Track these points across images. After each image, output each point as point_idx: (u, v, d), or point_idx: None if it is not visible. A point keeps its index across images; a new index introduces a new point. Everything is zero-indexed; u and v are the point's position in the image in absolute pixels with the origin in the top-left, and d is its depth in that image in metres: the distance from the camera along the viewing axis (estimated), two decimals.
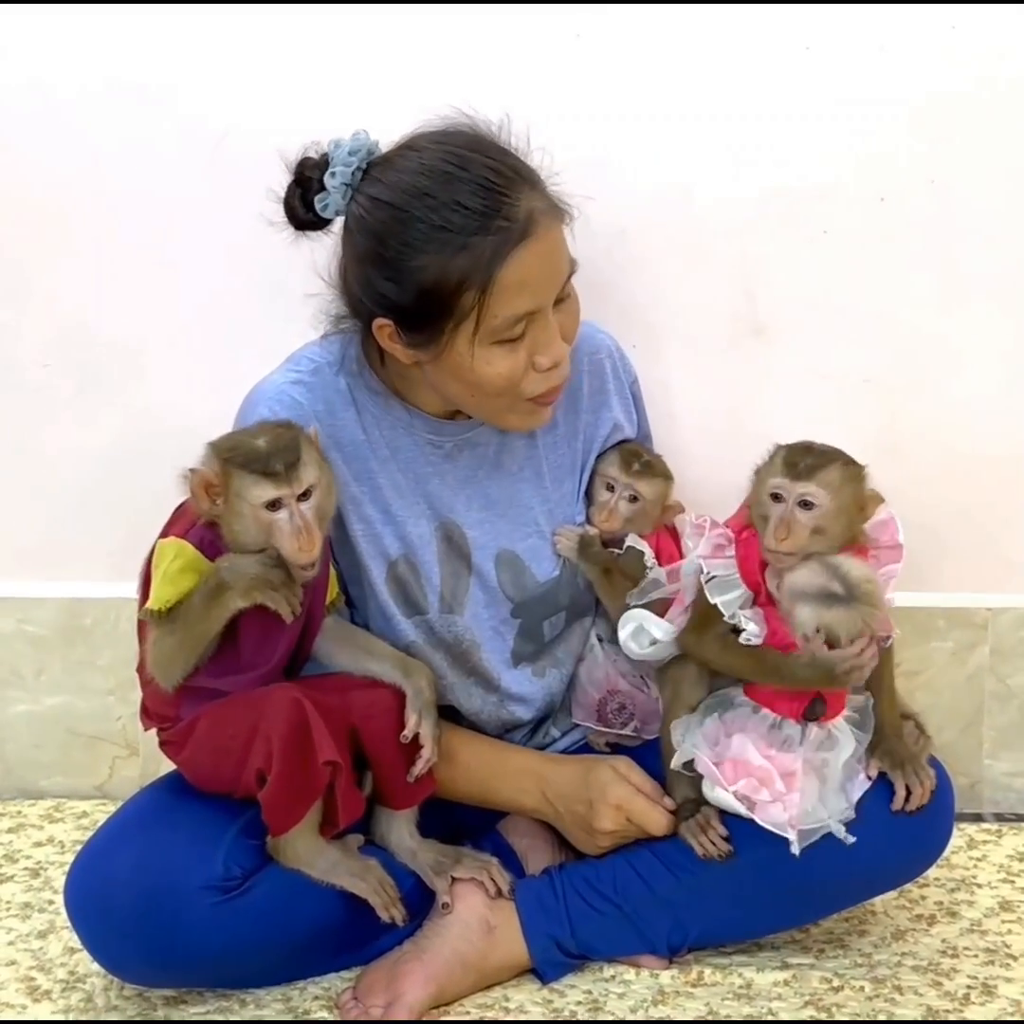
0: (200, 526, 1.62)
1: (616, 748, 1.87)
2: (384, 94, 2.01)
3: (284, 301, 1.89)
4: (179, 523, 1.65)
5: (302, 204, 1.69)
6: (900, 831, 1.70)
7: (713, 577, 1.70)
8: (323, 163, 1.68)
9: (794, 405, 2.09)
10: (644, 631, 1.76)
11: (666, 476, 1.88)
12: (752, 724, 1.70)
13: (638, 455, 1.87)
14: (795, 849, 1.66)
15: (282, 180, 1.70)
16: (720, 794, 1.69)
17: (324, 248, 1.73)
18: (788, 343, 2.10)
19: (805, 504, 1.65)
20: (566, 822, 1.79)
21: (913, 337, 2.09)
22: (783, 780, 1.67)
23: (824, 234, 2.06)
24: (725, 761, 1.69)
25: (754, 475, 1.72)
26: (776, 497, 1.67)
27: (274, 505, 1.59)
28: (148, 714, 1.71)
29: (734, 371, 2.09)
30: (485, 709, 1.85)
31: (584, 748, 1.89)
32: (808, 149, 2.04)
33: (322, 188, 1.67)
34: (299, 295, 1.75)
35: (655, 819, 1.75)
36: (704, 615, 1.71)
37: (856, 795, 1.70)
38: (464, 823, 1.85)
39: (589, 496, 1.88)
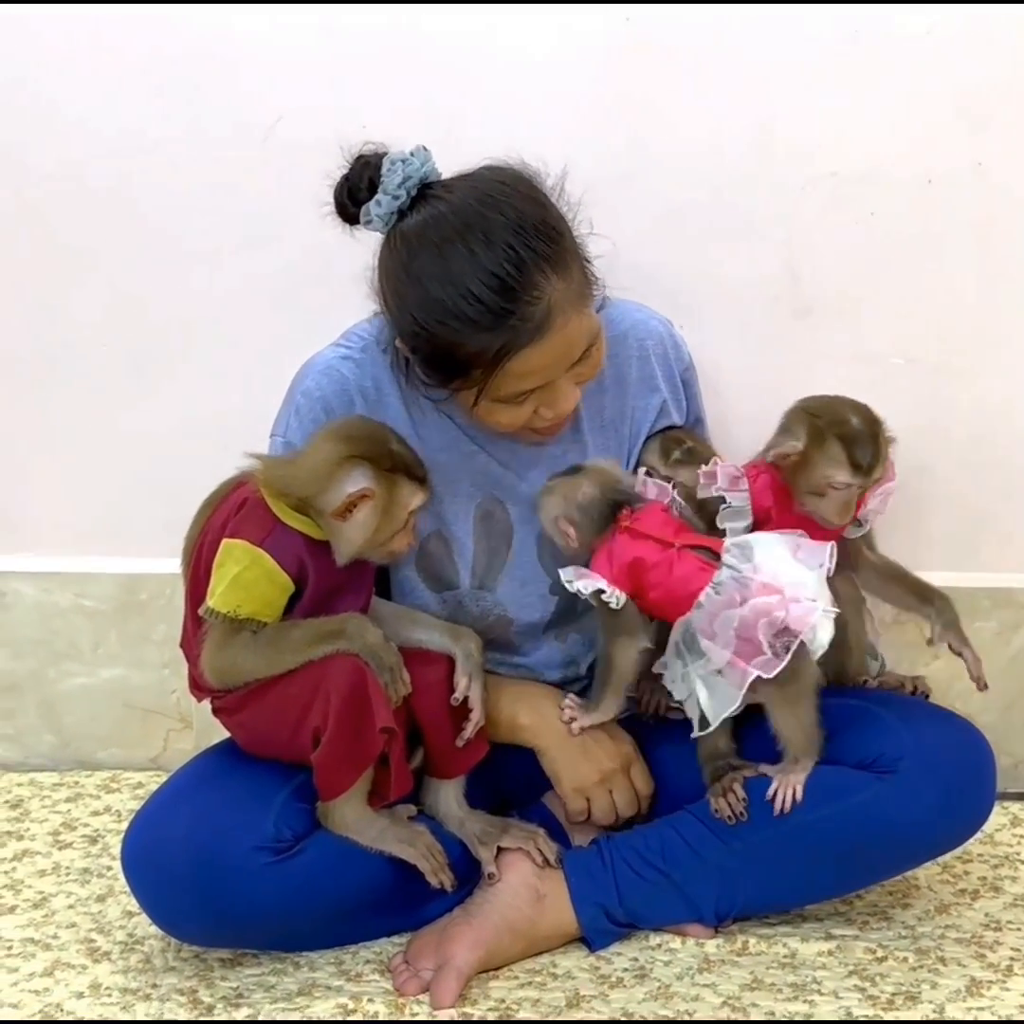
0: (280, 529, 1.65)
1: (660, 720, 1.87)
2: (435, 80, 2.04)
3: (334, 284, 1.91)
4: (251, 525, 1.65)
5: (352, 201, 1.68)
6: (942, 793, 1.70)
7: (730, 507, 1.80)
8: (376, 167, 1.66)
9: (838, 385, 2.06)
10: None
11: (707, 463, 1.84)
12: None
13: (680, 443, 1.86)
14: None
15: (332, 168, 1.69)
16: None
17: (372, 239, 1.72)
18: (833, 324, 2.10)
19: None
20: (568, 744, 1.80)
21: (957, 318, 2.10)
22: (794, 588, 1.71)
23: (871, 216, 2.07)
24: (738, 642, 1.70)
25: (799, 445, 1.76)
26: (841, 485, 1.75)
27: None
28: (199, 686, 1.73)
29: (779, 352, 2.10)
30: (498, 671, 1.86)
31: (629, 718, 1.89)
32: (855, 133, 2.05)
33: (370, 195, 1.66)
34: (347, 278, 1.76)
35: (644, 785, 1.83)
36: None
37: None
38: (511, 795, 1.88)
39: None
